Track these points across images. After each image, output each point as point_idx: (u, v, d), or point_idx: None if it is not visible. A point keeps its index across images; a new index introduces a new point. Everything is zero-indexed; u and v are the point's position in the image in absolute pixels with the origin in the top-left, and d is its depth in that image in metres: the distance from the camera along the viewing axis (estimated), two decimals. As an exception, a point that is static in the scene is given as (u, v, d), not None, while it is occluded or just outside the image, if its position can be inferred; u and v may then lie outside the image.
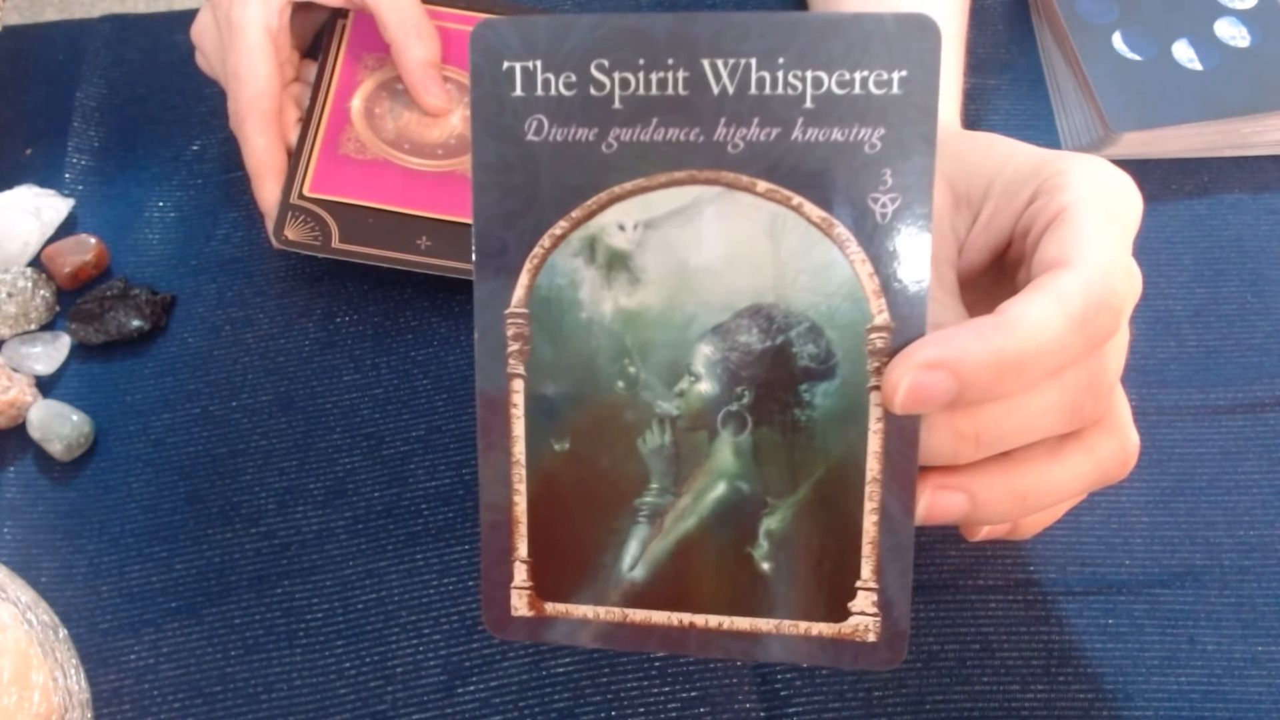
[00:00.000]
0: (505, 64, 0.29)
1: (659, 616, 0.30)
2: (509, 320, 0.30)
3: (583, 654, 0.42)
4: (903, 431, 0.28)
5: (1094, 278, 0.27)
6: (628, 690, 0.41)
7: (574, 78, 0.29)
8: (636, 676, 0.41)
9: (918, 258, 0.28)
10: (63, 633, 0.38)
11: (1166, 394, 0.47)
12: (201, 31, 0.53)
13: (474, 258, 0.30)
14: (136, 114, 0.59)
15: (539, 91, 0.29)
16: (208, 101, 0.58)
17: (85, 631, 0.43)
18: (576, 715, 0.41)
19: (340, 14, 0.53)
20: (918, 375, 0.27)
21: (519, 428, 0.30)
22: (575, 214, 0.29)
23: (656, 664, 0.41)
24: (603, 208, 0.29)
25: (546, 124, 0.29)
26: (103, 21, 0.62)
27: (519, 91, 0.29)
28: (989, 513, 0.29)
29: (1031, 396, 0.28)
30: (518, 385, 0.30)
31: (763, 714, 0.40)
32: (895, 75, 0.27)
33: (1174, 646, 0.41)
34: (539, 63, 0.29)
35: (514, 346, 0.30)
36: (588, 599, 0.31)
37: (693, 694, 0.41)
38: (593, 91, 0.29)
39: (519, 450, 0.30)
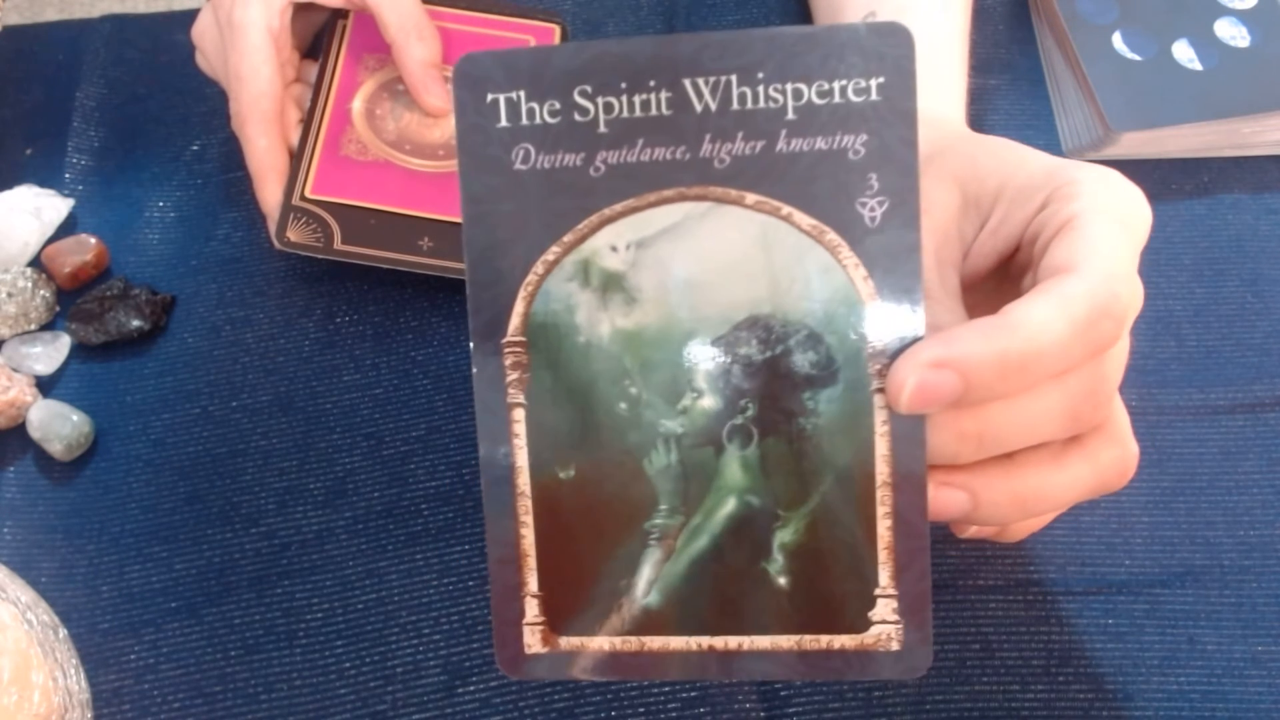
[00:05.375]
0: (489, 96, 0.29)
1: (677, 642, 0.30)
2: (506, 349, 0.30)
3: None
4: (909, 433, 0.28)
5: (1099, 285, 0.28)
6: (628, 690, 0.41)
7: (558, 105, 0.29)
8: (637, 676, 0.41)
9: (910, 257, 0.28)
10: (63, 633, 0.38)
11: (1166, 394, 0.47)
12: (202, 32, 0.53)
13: (468, 290, 0.29)
14: (136, 114, 0.59)
15: (524, 121, 0.29)
16: (208, 101, 0.58)
17: (85, 631, 0.43)
18: (576, 715, 0.41)
19: (341, 14, 0.53)
20: (924, 374, 0.27)
21: (522, 458, 0.30)
22: (567, 238, 0.29)
23: (657, 664, 0.41)
24: (594, 230, 0.29)
25: (533, 152, 0.29)
26: (103, 21, 0.62)
27: (504, 122, 0.29)
28: (988, 513, 0.29)
29: (1033, 399, 0.28)
30: (519, 415, 0.30)
31: (763, 714, 0.40)
32: (873, 82, 0.28)
33: (1174, 646, 0.41)
34: (522, 93, 0.29)
35: (513, 376, 0.30)
36: (603, 629, 0.30)
37: (693, 694, 0.41)
38: (577, 117, 0.29)
39: (523, 481, 0.30)
